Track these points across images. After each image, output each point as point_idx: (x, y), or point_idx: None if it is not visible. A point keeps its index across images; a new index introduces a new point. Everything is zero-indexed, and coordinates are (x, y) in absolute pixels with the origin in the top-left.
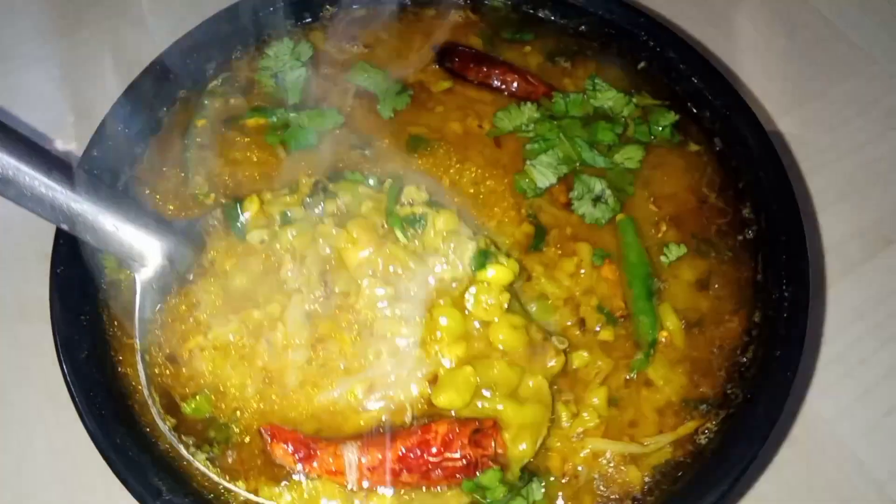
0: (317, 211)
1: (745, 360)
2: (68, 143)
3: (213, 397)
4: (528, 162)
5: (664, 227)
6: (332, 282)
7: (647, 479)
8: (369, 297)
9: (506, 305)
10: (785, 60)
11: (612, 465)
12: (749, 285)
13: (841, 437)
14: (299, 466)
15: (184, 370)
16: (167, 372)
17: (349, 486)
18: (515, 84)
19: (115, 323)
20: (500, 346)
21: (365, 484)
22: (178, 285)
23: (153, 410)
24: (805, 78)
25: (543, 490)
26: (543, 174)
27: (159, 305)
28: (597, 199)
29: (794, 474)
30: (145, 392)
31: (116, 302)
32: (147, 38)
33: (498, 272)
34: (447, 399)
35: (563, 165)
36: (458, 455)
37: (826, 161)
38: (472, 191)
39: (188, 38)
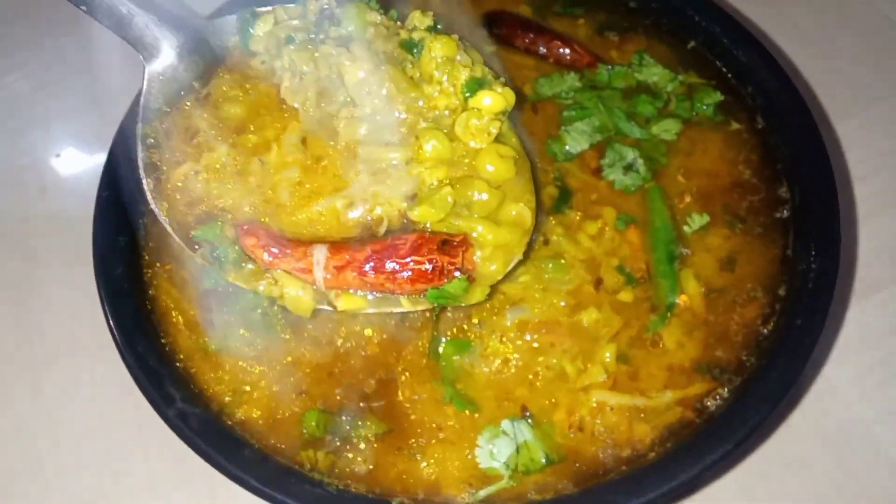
0: (321, 36)
1: (765, 330)
2: None
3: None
4: (562, 128)
5: (688, 199)
6: (329, 100)
7: (654, 437)
8: (360, 116)
9: (493, 132)
10: (849, 63)
11: (619, 418)
12: (777, 261)
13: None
14: (267, 257)
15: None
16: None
17: (316, 284)
18: (562, 51)
19: (151, 245)
20: (485, 175)
21: (330, 280)
22: (187, 93)
23: (148, 197)
24: (867, 82)
25: (532, 430)
26: (576, 140)
27: (166, 106)
28: (628, 168)
29: (801, 441)
30: (140, 174)
31: (153, 229)
32: None
33: (490, 99)
34: (422, 213)
35: (598, 133)
36: (426, 259)
37: (878, 168)
38: None
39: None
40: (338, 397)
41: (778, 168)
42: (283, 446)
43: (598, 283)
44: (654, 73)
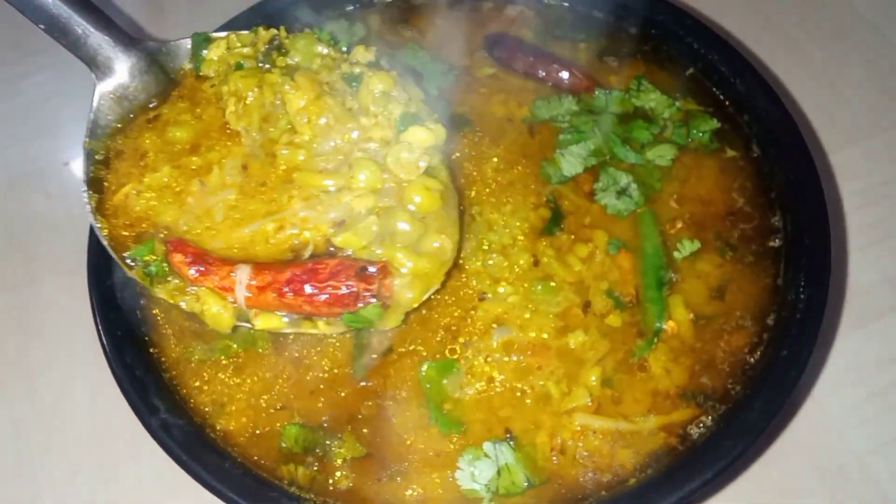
0: (268, 65)
1: (752, 359)
2: None
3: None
4: (557, 151)
5: (679, 224)
6: (272, 126)
7: (636, 463)
8: (299, 143)
9: (423, 166)
10: (852, 91)
11: (601, 442)
12: (767, 290)
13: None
14: (193, 273)
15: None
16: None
17: (237, 302)
18: (561, 74)
19: None
20: (412, 207)
21: (251, 299)
22: (139, 113)
23: (88, 211)
24: (869, 111)
25: (514, 452)
26: (571, 163)
27: (117, 123)
28: (621, 192)
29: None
30: (83, 189)
31: None
32: None
33: (421, 134)
34: (345, 239)
35: (593, 157)
36: (343, 285)
37: (875, 199)
38: (495, 172)
39: (254, 10)
40: (318, 415)
41: (772, 197)
42: (264, 460)
43: (586, 306)
44: (652, 99)
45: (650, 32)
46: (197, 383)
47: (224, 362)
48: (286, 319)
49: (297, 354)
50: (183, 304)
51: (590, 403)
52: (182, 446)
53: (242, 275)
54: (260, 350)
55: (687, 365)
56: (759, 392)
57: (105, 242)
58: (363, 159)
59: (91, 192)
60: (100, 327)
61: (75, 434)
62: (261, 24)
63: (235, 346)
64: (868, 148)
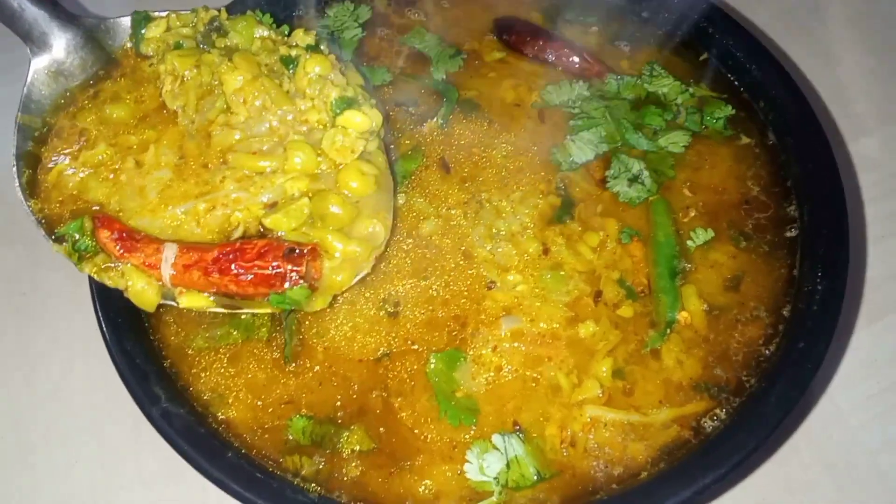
0: (206, 46)
1: (767, 351)
2: None
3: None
4: (568, 137)
5: (693, 213)
6: (208, 106)
7: (648, 456)
8: (234, 124)
9: (358, 149)
10: (870, 80)
11: (612, 435)
12: (782, 281)
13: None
14: (119, 249)
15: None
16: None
17: (162, 280)
18: (572, 59)
19: None
20: (347, 191)
21: (175, 277)
22: (78, 91)
23: (16, 185)
24: (887, 100)
25: (523, 445)
26: (582, 150)
27: (55, 99)
28: (633, 180)
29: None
30: (12, 164)
31: None
32: None
33: (357, 118)
34: (274, 221)
35: (604, 144)
36: (269, 265)
37: (892, 190)
38: (504, 158)
39: None
40: (326, 406)
41: (787, 186)
42: (268, 451)
43: (597, 295)
44: (665, 85)
45: (664, 16)
46: (200, 373)
47: (230, 352)
48: (212, 299)
49: (310, 344)
50: (108, 281)
51: (601, 395)
52: (184, 436)
53: (169, 253)
54: (268, 338)
55: (700, 356)
56: (774, 385)
57: (33, 217)
58: (298, 142)
59: (26, 168)
60: (99, 314)
61: (75, 422)
62: (262, 4)
63: (235, 333)
64: (886, 137)
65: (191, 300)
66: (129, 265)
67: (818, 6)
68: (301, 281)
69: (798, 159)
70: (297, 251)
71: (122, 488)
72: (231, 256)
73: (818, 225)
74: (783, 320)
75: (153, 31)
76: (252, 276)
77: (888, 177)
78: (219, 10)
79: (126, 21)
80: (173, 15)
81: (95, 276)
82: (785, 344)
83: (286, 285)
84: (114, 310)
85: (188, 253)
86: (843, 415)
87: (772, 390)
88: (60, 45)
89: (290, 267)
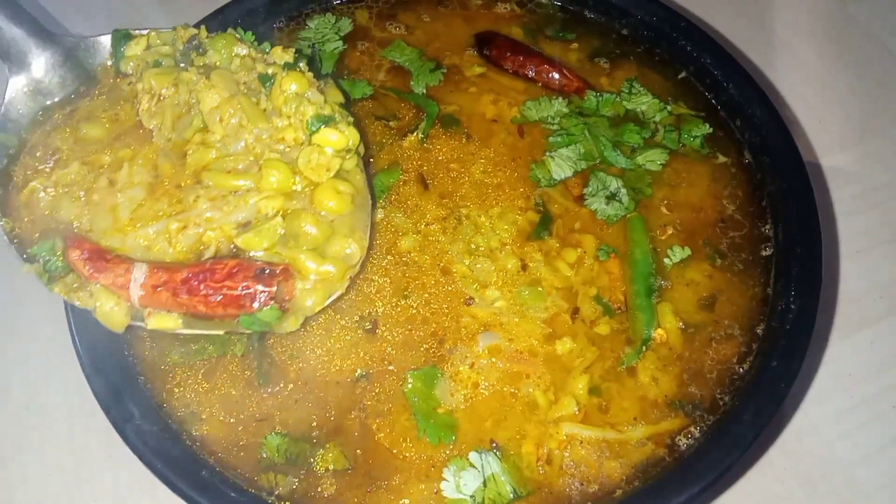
0: (184, 64)
1: (741, 369)
2: None
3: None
4: (547, 153)
5: (670, 231)
6: (184, 125)
7: (623, 474)
8: (210, 143)
9: (334, 168)
10: (846, 95)
11: (588, 452)
12: (757, 300)
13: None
14: (88, 269)
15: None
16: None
17: (130, 300)
18: (552, 75)
19: None
20: (323, 210)
21: (144, 297)
22: (56, 108)
23: None
24: (863, 116)
25: (500, 462)
26: (560, 166)
27: (32, 117)
28: (611, 197)
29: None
30: None
31: None
32: None
33: (333, 136)
34: (246, 240)
35: (583, 161)
36: (239, 286)
37: (867, 205)
38: (483, 174)
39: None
40: (302, 425)
41: (763, 205)
42: (243, 468)
43: (574, 312)
44: (644, 102)
45: (643, 34)
46: (172, 387)
47: (199, 365)
48: (181, 321)
49: (284, 363)
50: (77, 302)
51: (577, 412)
52: (157, 454)
53: (138, 273)
54: (245, 355)
55: (675, 374)
56: (748, 403)
57: (5, 237)
58: (274, 160)
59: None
60: (73, 330)
61: (50, 434)
62: (244, 15)
63: (211, 348)
64: (860, 153)
65: (159, 321)
66: (98, 286)
67: (796, 21)
68: (271, 302)
69: (772, 179)
70: (269, 271)
71: (95, 501)
72: (201, 276)
73: (792, 244)
74: (757, 338)
75: (133, 50)
76: (221, 296)
77: (863, 192)
78: (198, 29)
79: (106, 39)
80: (153, 33)
81: (65, 297)
82: (759, 362)
83: (255, 306)
84: (88, 324)
85: (157, 273)
86: (817, 429)
87: (746, 408)
88: (39, 64)
89: (259, 287)
